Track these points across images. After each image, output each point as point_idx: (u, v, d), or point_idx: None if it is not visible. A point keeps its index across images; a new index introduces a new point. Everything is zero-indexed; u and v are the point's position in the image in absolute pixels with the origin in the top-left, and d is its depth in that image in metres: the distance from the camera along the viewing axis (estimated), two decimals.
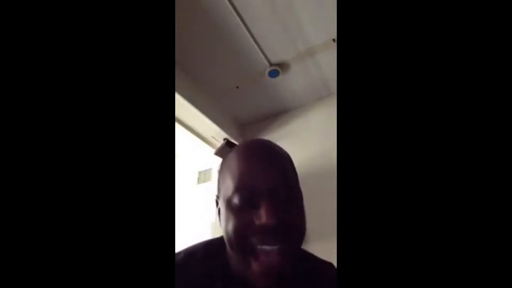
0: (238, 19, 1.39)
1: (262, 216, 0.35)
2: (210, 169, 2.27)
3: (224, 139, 1.99)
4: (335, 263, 0.49)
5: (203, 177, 2.31)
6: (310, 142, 1.91)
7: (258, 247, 0.36)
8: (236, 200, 0.38)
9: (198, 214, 2.12)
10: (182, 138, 1.96)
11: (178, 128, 1.79)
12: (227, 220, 0.39)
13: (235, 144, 2.04)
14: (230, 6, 1.33)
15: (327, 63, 1.70)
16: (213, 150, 1.99)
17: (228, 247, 0.40)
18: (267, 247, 0.36)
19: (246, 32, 1.46)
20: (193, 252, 0.48)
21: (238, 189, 0.38)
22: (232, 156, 0.43)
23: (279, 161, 0.41)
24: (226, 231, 0.39)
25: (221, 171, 0.45)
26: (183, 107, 1.67)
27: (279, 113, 2.13)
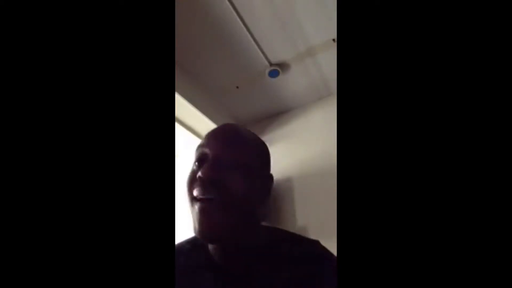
0: (238, 19, 1.39)
1: (202, 169, 0.40)
2: None
3: None
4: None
5: None
6: (310, 142, 1.91)
7: (198, 196, 0.40)
8: (193, 159, 0.45)
9: None
10: (182, 138, 1.96)
11: (178, 128, 1.79)
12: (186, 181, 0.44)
13: None
14: (230, 6, 1.33)
15: (327, 63, 1.70)
16: None
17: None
18: (204, 196, 0.40)
19: (246, 32, 1.46)
20: (179, 247, 0.51)
21: (196, 149, 0.46)
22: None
23: (235, 139, 0.46)
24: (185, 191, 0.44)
25: None
26: (183, 107, 1.67)
27: (279, 113, 2.13)
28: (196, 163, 0.44)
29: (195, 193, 0.41)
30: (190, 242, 0.52)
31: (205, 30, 1.46)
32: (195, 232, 0.41)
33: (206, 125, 1.87)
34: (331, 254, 0.49)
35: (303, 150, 1.91)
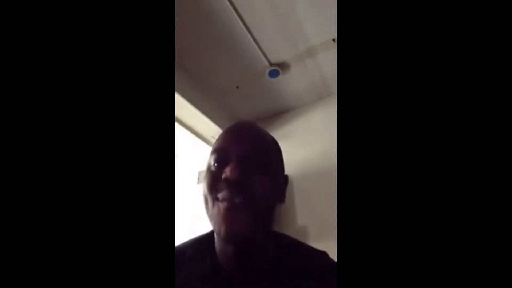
0: (238, 19, 1.39)
1: (227, 171, 0.39)
2: None
3: None
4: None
5: (203, 177, 2.30)
6: (310, 142, 1.91)
7: (222, 198, 0.39)
8: (211, 160, 0.43)
9: (198, 213, 2.12)
10: (182, 138, 1.96)
11: (178, 128, 1.79)
12: (204, 183, 0.43)
13: None
14: (230, 6, 1.33)
15: (327, 63, 1.70)
16: None
17: (204, 205, 0.43)
18: (227, 198, 0.39)
19: (246, 32, 1.46)
20: (181, 251, 0.47)
21: (214, 151, 0.43)
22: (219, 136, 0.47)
23: (257, 138, 0.45)
24: (203, 193, 0.43)
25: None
26: (183, 107, 1.67)
27: (279, 113, 2.13)
28: (216, 164, 0.42)
29: (220, 195, 0.40)
30: (193, 245, 0.49)
31: (205, 30, 1.46)
32: (217, 232, 0.39)
33: (206, 125, 1.87)
34: (335, 268, 0.47)
35: (303, 150, 1.91)
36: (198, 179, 2.34)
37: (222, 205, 0.39)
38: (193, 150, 2.36)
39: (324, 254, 0.50)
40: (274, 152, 0.46)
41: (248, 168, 0.40)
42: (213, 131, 1.94)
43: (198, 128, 1.91)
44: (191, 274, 0.44)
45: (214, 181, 0.41)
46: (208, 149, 2.02)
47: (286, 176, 0.48)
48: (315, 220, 1.69)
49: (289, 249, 0.48)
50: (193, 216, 2.14)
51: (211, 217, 0.41)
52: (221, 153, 0.42)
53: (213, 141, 1.99)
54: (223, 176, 0.39)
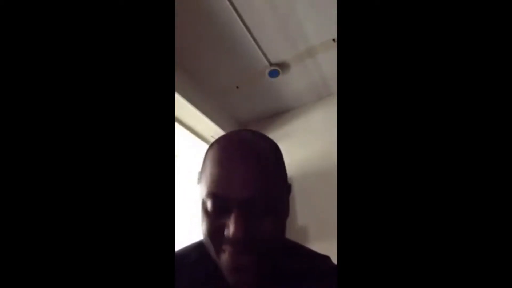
0: (238, 19, 1.39)
1: (231, 227, 0.34)
2: None
3: None
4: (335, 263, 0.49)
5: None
6: (310, 142, 1.91)
7: (230, 260, 0.36)
8: (208, 205, 0.37)
9: (198, 214, 2.11)
10: (182, 138, 1.96)
11: (178, 128, 1.79)
12: (202, 220, 0.39)
13: None
14: (230, 6, 1.33)
15: (327, 63, 1.70)
16: None
17: (206, 245, 0.40)
18: (239, 263, 0.35)
19: (246, 32, 1.46)
20: (184, 255, 0.46)
21: (210, 194, 0.37)
22: (211, 151, 0.40)
23: (260, 165, 0.37)
24: (203, 234, 0.39)
25: (203, 164, 0.42)
26: (183, 107, 1.67)
27: (279, 113, 2.13)
28: (213, 210, 0.37)
29: (225, 247, 0.36)
30: (196, 249, 0.47)
31: (205, 30, 1.46)
32: (226, 277, 0.37)
33: (206, 125, 1.87)
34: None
35: (303, 150, 1.92)
36: (198, 179, 2.33)
37: (228, 259, 0.36)
38: (193, 150, 2.36)
39: (326, 258, 0.50)
40: (276, 169, 0.40)
41: (255, 218, 0.36)
42: (213, 131, 1.94)
43: (198, 128, 1.91)
44: (195, 279, 0.42)
45: (215, 232, 0.37)
46: None
47: (290, 186, 0.45)
48: (315, 220, 1.69)
49: (292, 252, 0.47)
50: (193, 216, 2.14)
51: (216, 258, 0.38)
52: (219, 199, 0.36)
53: (213, 141, 1.99)
54: (225, 232, 0.36)
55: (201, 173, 0.41)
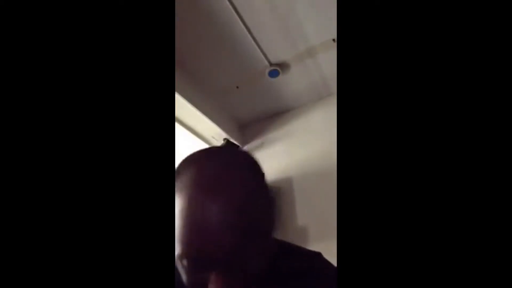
0: (238, 19, 1.39)
1: None
2: None
3: (224, 139, 1.99)
4: (335, 263, 0.49)
5: None
6: (310, 142, 1.91)
7: None
8: (184, 262, 0.32)
9: None
10: (182, 138, 1.96)
11: (178, 128, 1.79)
12: (181, 273, 0.34)
13: (235, 144, 2.04)
14: (230, 6, 1.33)
15: (327, 63, 1.70)
16: None
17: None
18: None
19: (246, 32, 1.46)
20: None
21: (185, 252, 0.32)
22: (183, 183, 0.35)
23: (234, 205, 0.33)
24: (183, 281, 0.34)
25: (176, 187, 0.36)
26: (183, 107, 1.67)
27: (279, 113, 2.13)
28: (193, 272, 0.32)
29: None
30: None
31: (205, 30, 1.46)
32: None
33: (206, 125, 1.87)
34: (330, 269, 0.46)
35: (303, 150, 1.92)
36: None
37: None
38: (193, 150, 2.36)
39: (318, 254, 0.49)
40: (256, 195, 0.36)
41: (239, 273, 0.32)
42: (213, 131, 1.94)
43: (198, 128, 1.91)
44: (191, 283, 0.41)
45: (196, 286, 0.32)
46: None
47: (273, 198, 0.41)
48: (315, 220, 1.69)
49: (284, 252, 0.47)
50: None
51: None
52: (195, 261, 0.32)
53: (213, 141, 1.99)
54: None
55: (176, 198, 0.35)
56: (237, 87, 1.88)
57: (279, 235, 0.50)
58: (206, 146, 2.01)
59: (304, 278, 0.44)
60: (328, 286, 0.42)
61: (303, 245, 0.51)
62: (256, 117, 2.16)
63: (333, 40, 1.55)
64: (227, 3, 1.31)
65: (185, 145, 2.29)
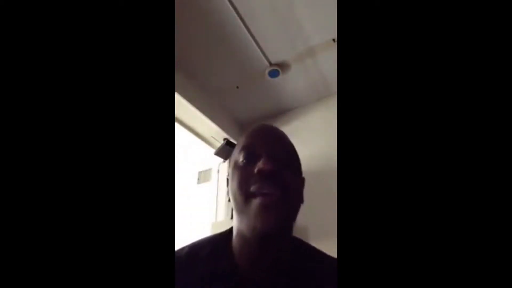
0: (238, 19, 1.39)
1: (260, 164, 0.40)
2: (210, 169, 2.27)
3: (224, 139, 1.99)
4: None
5: (203, 177, 2.31)
6: (310, 142, 1.91)
7: (257, 191, 0.39)
8: (240, 157, 0.44)
9: (198, 214, 2.12)
10: (182, 138, 1.97)
11: (178, 128, 1.80)
12: (232, 180, 0.43)
13: (235, 144, 2.04)
14: (230, 6, 1.33)
15: (327, 63, 1.70)
16: (213, 150, 1.99)
17: (233, 207, 0.43)
18: (265, 191, 0.39)
19: (246, 32, 1.46)
20: (197, 248, 0.47)
21: (243, 148, 0.44)
22: (243, 136, 0.48)
23: (282, 138, 0.48)
24: (232, 190, 0.43)
25: (236, 147, 0.49)
26: (183, 107, 1.68)
27: (279, 113, 2.13)
28: (245, 160, 0.43)
29: (254, 189, 0.40)
30: (208, 244, 0.47)
31: (205, 30, 1.46)
32: (252, 227, 0.39)
33: (206, 125, 1.87)
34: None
35: (303, 150, 1.91)
36: (198, 179, 2.34)
37: (257, 201, 0.39)
38: (193, 150, 2.37)
39: (335, 260, 0.49)
40: (296, 154, 0.49)
41: (278, 163, 0.41)
42: (213, 131, 1.94)
43: (198, 128, 1.91)
44: (207, 273, 0.42)
45: (245, 176, 0.41)
46: (208, 149, 2.02)
47: (303, 179, 0.50)
48: (315, 220, 1.69)
49: (305, 253, 0.48)
50: (192, 216, 2.14)
51: (242, 212, 0.41)
52: (250, 149, 0.44)
53: (213, 141, 1.99)
54: (256, 169, 0.40)
55: (234, 149, 0.48)
56: (237, 87, 1.88)
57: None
58: (206, 146, 2.01)
59: (323, 281, 0.43)
60: None
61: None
62: (256, 117, 2.16)
63: (333, 40, 1.55)
64: (227, 3, 1.31)
65: (185, 145, 2.30)
